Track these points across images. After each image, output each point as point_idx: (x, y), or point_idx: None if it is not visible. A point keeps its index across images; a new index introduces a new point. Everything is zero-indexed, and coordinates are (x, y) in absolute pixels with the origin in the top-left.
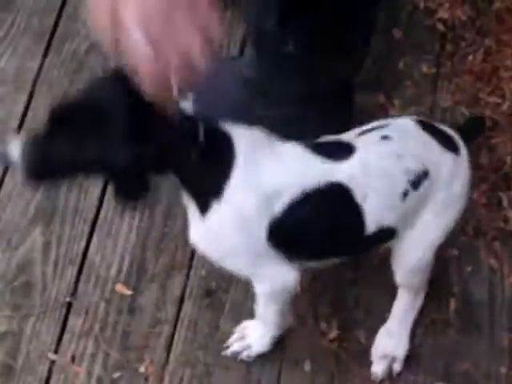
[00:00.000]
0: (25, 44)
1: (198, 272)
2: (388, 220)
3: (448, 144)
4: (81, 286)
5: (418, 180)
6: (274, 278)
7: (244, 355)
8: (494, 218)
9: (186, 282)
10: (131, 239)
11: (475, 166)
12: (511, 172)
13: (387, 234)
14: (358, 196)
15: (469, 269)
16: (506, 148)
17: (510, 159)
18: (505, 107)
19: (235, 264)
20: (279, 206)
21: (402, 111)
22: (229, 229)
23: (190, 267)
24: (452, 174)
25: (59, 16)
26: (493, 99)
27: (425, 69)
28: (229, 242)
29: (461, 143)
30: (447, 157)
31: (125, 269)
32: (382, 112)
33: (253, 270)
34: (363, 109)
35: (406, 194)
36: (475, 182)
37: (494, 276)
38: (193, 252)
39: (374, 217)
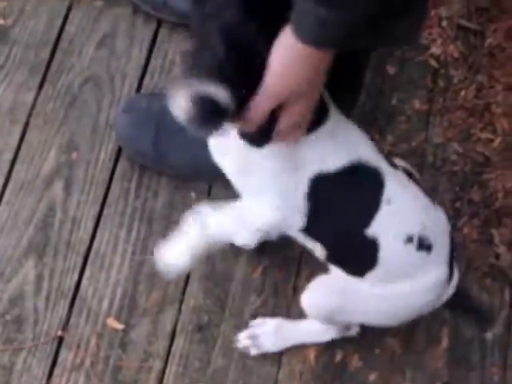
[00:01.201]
0: (20, 76)
1: (190, 306)
2: (382, 238)
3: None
4: (72, 319)
5: (422, 244)
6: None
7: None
8: (486, 254)
9: (178, 316)
10: (123, 272)
11: (467, 201)
12: (503, 208)
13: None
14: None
15: None
16: (498, 184)
17: (502, 195)
18: (496, 143)
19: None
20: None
21: (395, 146)
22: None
23: (181, 301)
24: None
25: (54, 49)
26: (485, 135)
27: (417, 104)
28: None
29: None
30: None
31: (117, 302)
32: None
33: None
34: None
35: (410, 240)
36: (467, 217)
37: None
38: (185, 286)
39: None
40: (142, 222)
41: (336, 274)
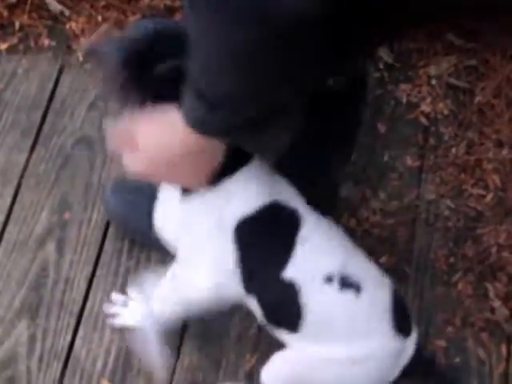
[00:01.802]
0: (12, 138)
1: (185, 365)
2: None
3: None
4: (66, 380)
5: (346, 282)
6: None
7: (115, 321)
8: (481, 309)
9: (173, 375)
10: (117, 332)
11: (461, 256)
12: (497, 262)
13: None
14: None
15: (457, 360)
16: (491, 239)
17: (495, 250)
18: (488, 198)
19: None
20: None
21: (387, 203)
22: None
23: (176, 359)
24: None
25: (46, 111)
26: (476, 191)
27: (409, 162)
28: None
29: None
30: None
31: (111, 362)
32: (366, 204)
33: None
34: (348, 201)
35: (330, 279)
36: (461, 273)
37: (482, 367)
38: (179, 345)
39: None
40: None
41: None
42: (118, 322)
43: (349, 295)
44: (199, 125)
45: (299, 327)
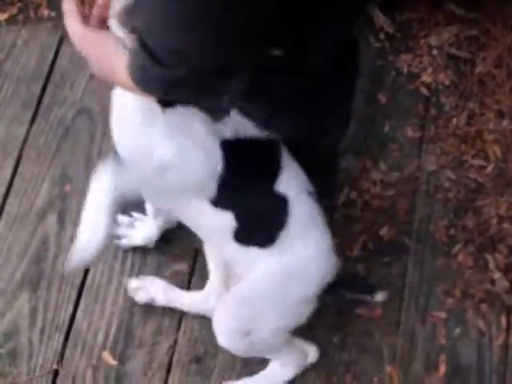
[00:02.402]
0: (12, 110)
1: (186, 338)
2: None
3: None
4: (67, 353)
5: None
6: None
7: (122, 242)
8: (481, 280)
9: (174, 347)
10: (118, 304)
11: (461, 228)
12: (497, 234)
13: None
14: None
15: (457, 331)
16: (491, 210)
17: (496, 221)
18: (489, 169)
19: None
20: None
21: (387, 174)
22: None
23: (177, 332)
24: None
25: (46, 83)
26: (477, 162)
27: (410, 132)
28: None
29: None
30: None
31: (112, 335)
32: (367, 175)
33: None
34: (349, 172)
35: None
36: (461, 244)
37: (482, 338)
38: (181, 316)
39: None
40: (136, 254)
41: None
42: (124, 243)
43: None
44: (140, 77)
45: (276, 239)
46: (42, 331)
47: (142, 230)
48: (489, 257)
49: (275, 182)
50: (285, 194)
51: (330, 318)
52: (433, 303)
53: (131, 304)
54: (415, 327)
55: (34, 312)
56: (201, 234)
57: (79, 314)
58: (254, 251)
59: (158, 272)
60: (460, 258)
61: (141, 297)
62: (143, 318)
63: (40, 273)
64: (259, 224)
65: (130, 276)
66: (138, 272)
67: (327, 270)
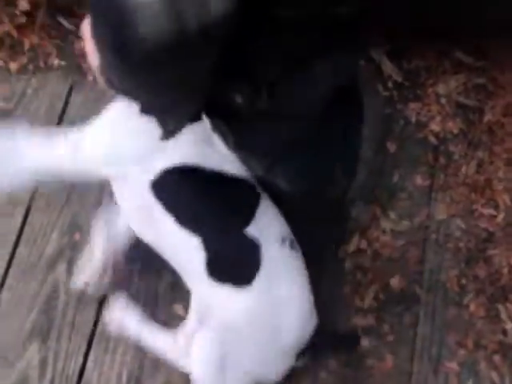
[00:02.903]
0: None
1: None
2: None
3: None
4: None
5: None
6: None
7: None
8: (493, 331)
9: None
10: (129, 354)
11: (472, 277)
12: (508, 284)
13: None
14: None
15: (469, 383)
16: (503, 260)
17: (507, 271)
18: (499, 219)
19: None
20: None
21: (397, 223)
22: None
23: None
24: None
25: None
26: (487, 211)
27: (419, 181)
28: None
29: None
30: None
31: None
32: (377, 224)
33: None
34: (358, 221)
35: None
36: (473, 294)
37: None
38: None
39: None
40: (146, 303)
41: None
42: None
43: (295, 254)
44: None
45: (253, 280)
46: (52, 382)
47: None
48: (500, 307)
49: (247, 224)
50: (256, 238)
51: (340, 369)
52: (445, 353)
53: (142, 355)
54: (428, 378)
55: (43, 362)
56: (176, 265)
57: (89, 364)
58: (227, 290)
59: (168, 320)
60: (472, 308)
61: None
62: (153, 370)
63: (50, 322)
64: (231, 261)
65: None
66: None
67: (303, 323)
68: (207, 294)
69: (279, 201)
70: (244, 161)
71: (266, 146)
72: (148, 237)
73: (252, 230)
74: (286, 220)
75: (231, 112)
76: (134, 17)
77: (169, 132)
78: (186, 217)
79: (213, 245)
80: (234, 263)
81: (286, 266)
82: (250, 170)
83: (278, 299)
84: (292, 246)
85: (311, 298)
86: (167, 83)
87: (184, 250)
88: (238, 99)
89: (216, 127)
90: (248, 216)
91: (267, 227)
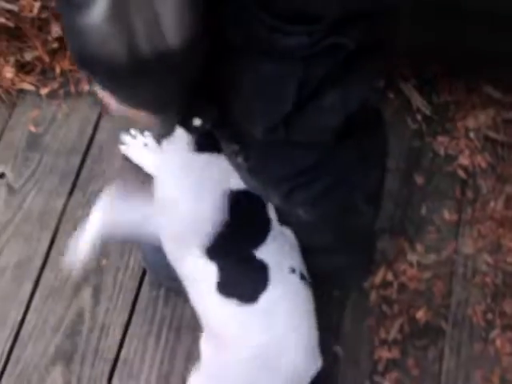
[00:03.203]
0: (51, 183)
1: None
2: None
3: None
4: None
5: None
6: None
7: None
8: None
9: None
10: (152, 381)
11: (498, 313)
12: None
13: None
14: None
15: None
16: None
17: None
18: None
19: None
20: None
21: (424, 256)
22: None
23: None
24: None
25: (85, 157)
26: None
27: (447, 215)
28: None
29: None
30: None
31: None
32: (404, 257)
33: None
34: (385, 253)
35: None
36: (499, 329)
37: None
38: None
39: None
40: (170, 330)
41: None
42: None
43: (303, 284)
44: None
45: (258, 299)
46: None
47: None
48: None
49: (256, 247)
50: (265, 262)
51: None
52: None
53: (164, 381)
54: None
55: None
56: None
57: None
58: (233, 306)
59: (191, 354)
60: (498, 343)
61: None
62: None
63: (74, 347)
64: (240, 280)
65: (163, 353)
66: (171, 350)
67: (305, 359)
68: (211, 308)
69: (298, 228)
70: (261, 189)
71: (281, 172)
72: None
73: (261, 253)
74: (304, 249)
75: (247, 141)
76: (85, 38)
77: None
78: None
79: (225, 268)
80: (243, 280)
81: (291, 293)
82: (268, 199)
83: (279, 329)
84: (302, 277)
85: (315, 334)
86: (143, 97)
87: (196, 272)
88: (258, 133)
89: (230, 155)
90: (259, 239)
91: (277, 254)
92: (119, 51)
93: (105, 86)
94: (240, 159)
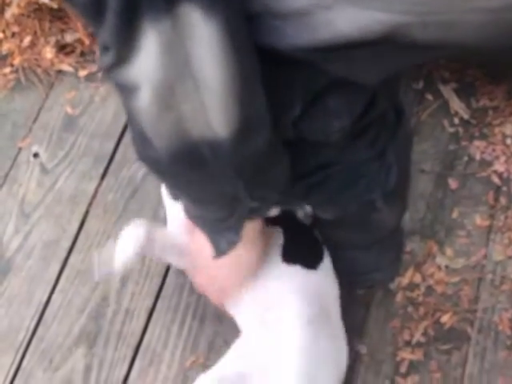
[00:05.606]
0: (84, 165)
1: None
2: None
3: None
4: None
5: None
6: None
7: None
8: None
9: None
10: (173, 368)
11: None
12: None
13: None
14: None
15: None
16: None
17: None
18: None
19: None
20: None
21: (453, 261)
22: None
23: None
24: None
25: (119, 141)
26: None
27: (478, 220)
28: None
29: None
30: None
31: None
32: (432, 260)
33: None
34: (414, 255)
35: None
36: None
37: None
38: None
39: None
40: (194, 319)
41: None
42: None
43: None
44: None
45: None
46: None
47: None
48: None
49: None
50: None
51: None
52: None
53: (185, 369)
54: None
55: (88, 369)
56: None
57: (133, 374)
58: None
59: (213, 342)
60: None
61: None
62: None
63: (98, 329)
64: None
65: (185, 342)
66: (195, 338)
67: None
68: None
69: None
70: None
71: (293, 172)
72: None
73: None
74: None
75: None
76: (139, 118)
77: (221, 251)
78: None
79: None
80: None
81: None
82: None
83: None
84: None
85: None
86: (196, 194)
87: None
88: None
89: None
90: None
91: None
92: (170, 134)
93: (169, 184)
94: None
